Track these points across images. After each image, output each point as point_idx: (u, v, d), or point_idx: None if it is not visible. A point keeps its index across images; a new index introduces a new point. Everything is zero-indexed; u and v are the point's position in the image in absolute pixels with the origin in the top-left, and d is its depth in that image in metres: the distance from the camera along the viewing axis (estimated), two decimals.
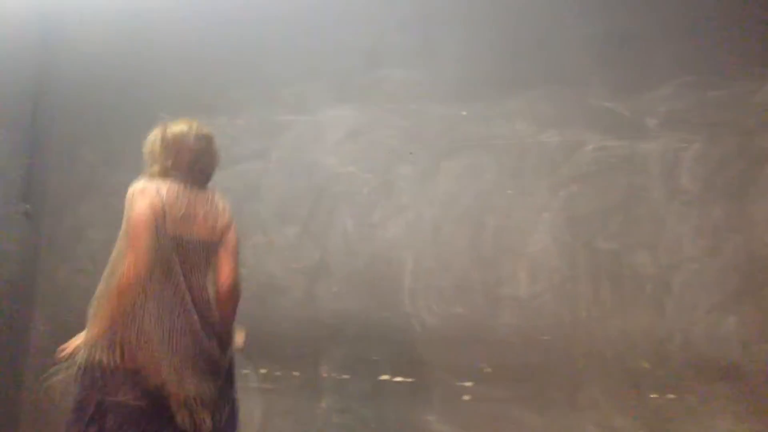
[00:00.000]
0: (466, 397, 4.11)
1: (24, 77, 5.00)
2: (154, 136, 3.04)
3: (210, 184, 3.14)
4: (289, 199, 4.65)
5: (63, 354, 2.81)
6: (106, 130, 5.09)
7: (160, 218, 2.73)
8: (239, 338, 2.89)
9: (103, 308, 2.56)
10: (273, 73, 4.81)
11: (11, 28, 4.89)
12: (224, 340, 2.82)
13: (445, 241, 4.31)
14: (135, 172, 4.92)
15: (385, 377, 4.27)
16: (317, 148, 4.64)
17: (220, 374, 2.75)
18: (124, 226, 2.75)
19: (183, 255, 2.81)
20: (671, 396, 3.85)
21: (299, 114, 4.72)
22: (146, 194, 2.78)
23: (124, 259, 2.63)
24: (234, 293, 2.94)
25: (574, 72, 4.25)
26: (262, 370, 4.50)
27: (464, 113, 4.38)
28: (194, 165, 2.98)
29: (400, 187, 4.45)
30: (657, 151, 4.07)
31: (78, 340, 2.84)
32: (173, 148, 2.96)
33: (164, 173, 2.94)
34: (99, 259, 4.93)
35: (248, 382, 4.50)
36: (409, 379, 4.23)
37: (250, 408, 4.47)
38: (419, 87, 4.52)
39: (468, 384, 4.12)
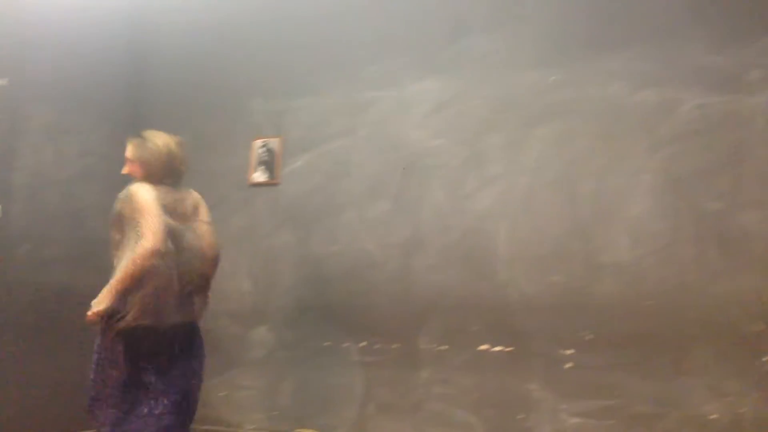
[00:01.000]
0: (568, 365, 4.07)
1: (122, 73, 5.21)
2: (165, 147, 3.34)
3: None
4: (379, 174, 4.68)
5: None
6: (200, 117, 5.25)
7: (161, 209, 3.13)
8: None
9: (124, 279, 3.04)
10: (357, 50, 4.83)
11: (106, 30, 5.10)
12: (204, 293, 3.42)
13: (539, 209, 4.25)
14: (228, 158, 5.11)
15: (484, 347, 4.27)
16: (404, 123, 4.65)
17: (194, 320, 3.39)
18: (129, 220, 3.09)
19: (176, 239, 3.24)
20: None
21: (385, 90, 4.73)
22: (145, 190, 3.15)
23: (141, 240, 3.02)
24: (217, 252, 3.54)
25: (670, 27, 4.08)
26: (362, 344, 4.58)
27: (554, 78, 4.29)
28: (179, 168, 3.37)
29: (491, 157, 4.41)
30: (762, 105, 3.87)
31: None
32: (167, 158, 3.30)
33: (159, 181, 3.27)
34: None
35: (349, 355, 4.60)
36: (509, 349, 4.21)
37: (352, 380, 4.57)
38: (505, 54, 4.45)
39: (569, 352, 4.07)
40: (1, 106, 4.37)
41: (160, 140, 3.32)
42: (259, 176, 5.01)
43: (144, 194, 3.14)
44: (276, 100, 5.03)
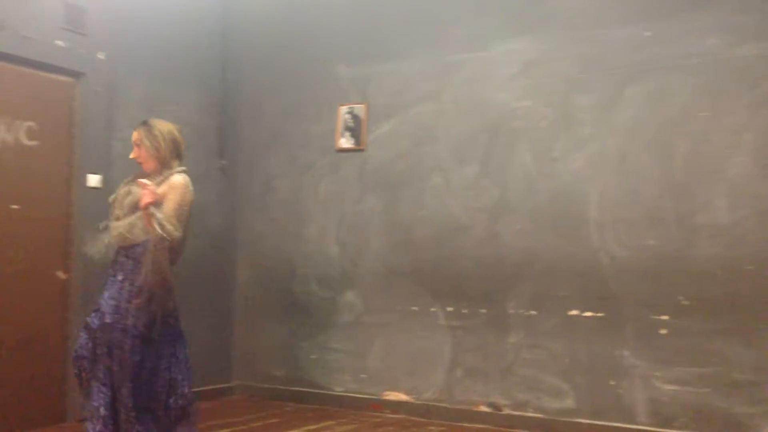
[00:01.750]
0: (662, 331, 3.95)
1: (212, 45, 5.33)
2: (169, 133, 3.41)
3: None
4: (466, 138, 4.63)
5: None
6: (287, 84, 5.32)
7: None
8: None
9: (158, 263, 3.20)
10: (441, 13, 4.77)
11: (198, 4, 5.22)
12: None
13: (633, 170, 4.12)
14: (314, 124, 5.16)
15: (574, 312, 4.20)
16: (491, 85, 4.57)
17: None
18: (177, 203, 3.26)
19: None
20: None
21: (470, 52, 4.65)
22: (190, 188, 3.37)
23: (179, 225, 3.28)
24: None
25: None
26: (449, 308, 4.58)
27: (648, 33, 4.11)
28: (182, 153, 3.50)
29: (581, 118, 4.28)
30: None
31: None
32: (172, 144, 3.40)
33: (166, 164, 3.38)
34: (287, 207, 5.25)
35: (436, 319, 4.62)
36: (600, 314, 4.13)
37: (439, 345, 4.59)
38: (595, 10, 4.29)
39: (664, 317, 3.95)
40: (100, 80, 4.55)
41: (164, 127, 3.43)
42: (345, 142, 5.05)
43: (188, 194, 3.35)
44: (361, 66, 5.04)
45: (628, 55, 4.16)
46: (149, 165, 3.36)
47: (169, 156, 3.37)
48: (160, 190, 3.23)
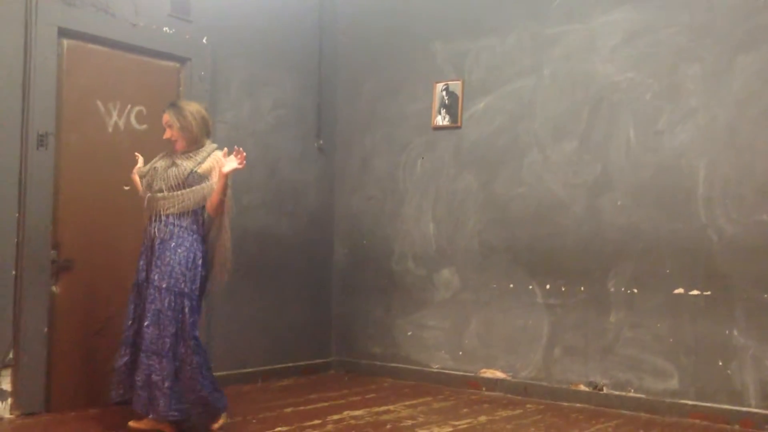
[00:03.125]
0: None
1: (308, 26, 5.40)
2: (198, 113, 3.62)
3: None
4: (565, 113, 4.53)
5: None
6: (383, 63, 5.35)
7: None
8: None
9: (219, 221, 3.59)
10: None
11: None
12: None
13: (745, 143, 3.92)
14: (410, 103, 5.17)
15: (679, 291, 4.06)
16: (592, 58, 4.44)
17: None
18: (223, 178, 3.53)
19: None
20: None
21: (571, 24, 4.53)
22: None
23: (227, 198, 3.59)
24: None
25: None
26: (547, 286, 4.52)
27: None
28: (210, 130, 3.75)
29: (688, 89, 4.10)
30: None
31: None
32: (202, 122, 3.64)
33: (196, 142, 3.62)
34: (384, 186, 5.30)
35: (534, 297, 4.57)
36: (707, 293, 3.97)
37: (537, 323, 4.54)
38: None
39: None
40: (204, 65, 4.71)
41: (193, 107, 3.65)
42: (441, 120, 5.03)
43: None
44: (457, 42, 5.00)
45: (741, 21, 3.94)
46: (181, 143, 3.59)
47: (200, 134, 3.61)
48: (206, 164, 3.51)
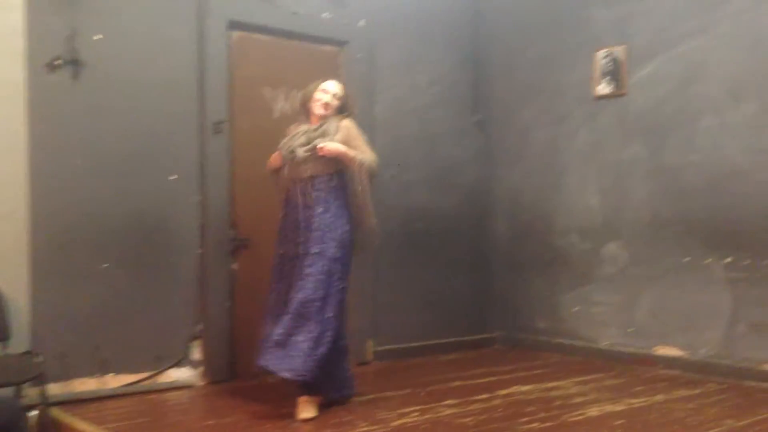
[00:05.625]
0: None
1: (463, 3, 5.35)
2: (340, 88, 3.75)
3: None
4: (741, 74, 4.19)
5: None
6: (540, 34, 5.20)
7: None
8: None
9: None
10: None
11: None
12: None
13: None
14: (569, 73, 5.00)
15: None
16: None
17: None
18: (360, 139, 3.70)
19: None
20: None
21: None
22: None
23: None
24: None
25: None
26: (727, 260, 4.23)
27: None
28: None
29: None
30: None
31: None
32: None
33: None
34: (544, 159, 5.17)
35: (712, 272, 4.30)
36: None
37: (716, 298, 4.27)
38: None
39: None
40: (361, 47, 4.80)
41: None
42: (603, 88, 4.83)
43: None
44: (619, 5, 4.76)
45: None
46: (322, 116, 3.67)
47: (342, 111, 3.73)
48: (340, 134, 3.59)
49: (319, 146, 3.51)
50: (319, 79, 3.77)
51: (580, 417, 3.43)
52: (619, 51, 4.74)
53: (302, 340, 3.35)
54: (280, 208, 3.73)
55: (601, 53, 4.83)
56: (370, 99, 4.85)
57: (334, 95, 3.69)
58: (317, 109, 3.67)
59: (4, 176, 3.54)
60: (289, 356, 3.34)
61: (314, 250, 3.46)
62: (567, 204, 5.04)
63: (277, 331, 3.39)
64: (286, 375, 3.33)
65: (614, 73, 4.77)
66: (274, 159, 3.76)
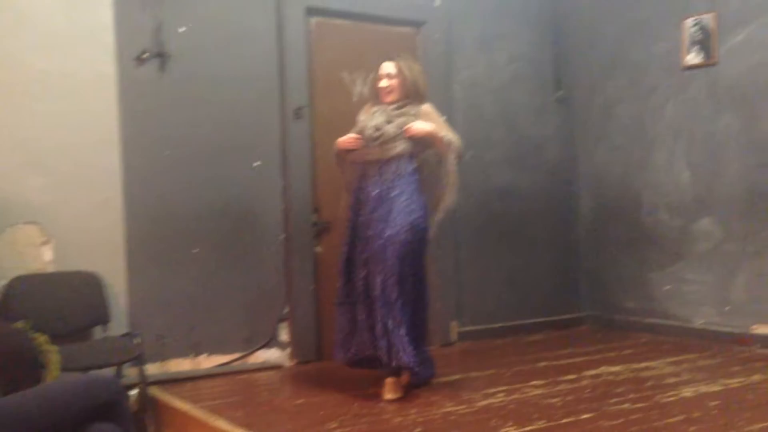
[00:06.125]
0: None
1: None
2: (420, 71, 3.69)
3: None
4: None
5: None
6: (624, 4, 5.02)
7: None
8: None
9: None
10: None
11: None
12: None
13: None
14: (657, 41, 4.82)
15: None
16: None
17: None
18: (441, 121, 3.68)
19: None
20: None
21: None
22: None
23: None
24: None
25: None
26: None
27: None
28: (420, 93, 3.70)
29: None
30: None
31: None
32: (422, 81, 3.69)
33: (406, 98, 3.65)
34: (630, 134, 5.02)
35: None
36: None
37: None
38: None
39: None
40: (437, 27, 4.76)
41: (416, 64, 3.71)
42: (692, 58, 4.63)
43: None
44: None
45: None
46: (394, 95, 3.61)
47: (414, 90, 3.62)
48: (420, 117, 3.54)
49: (407, 126, 3.49)
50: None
51: (673, 398, 3.33)
52: (708, 18, 4.53)
53: (394, 327, 3.35)
54: (347, 191, 3.72)
55: (690, 21, 4.63)
56: (448, 79, 4.81)
57: (388, 75, 3.64)
58: (381, 94, 3.68)
59: (100, 166, 3.71)
60: (391, 346, 3.35)
61: (388, 233, 3.42)
62: (655, 180, 4.87)
63: (377, 326, 3.38)
64: (395, 365, 3.37)
65: (704, 41, 4.57)
66: (343, 142, 3.69)
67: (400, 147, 3.53)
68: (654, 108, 4.86)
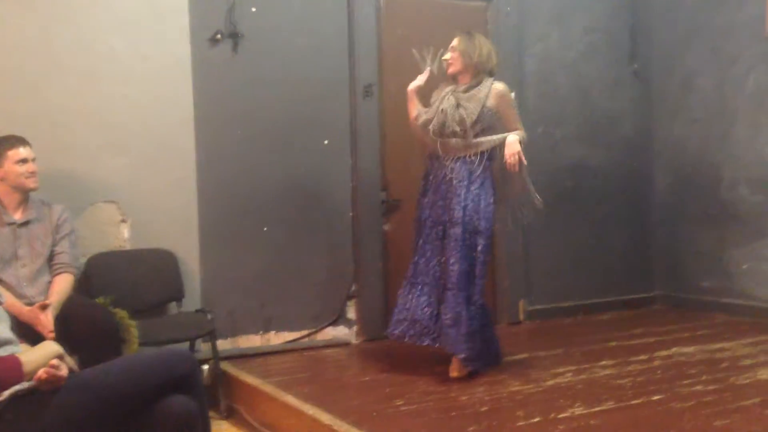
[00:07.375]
0: None
1: None
2: (488, 47, 3.55)
3: None
4: None
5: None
6: None
7: None
8: None
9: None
10: None
11: None
12: None
13: None
14: (740, 8, 4.60)
15: None
16: None
17: None
18: (514, 109, 3.57)
19: None
20: None
21: None
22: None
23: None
24: None
25: None
26: None
27: None
28: (488, 70, 3.60)
29: None
30: None
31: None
32: (486, 58, 3.54)
33: (473, 76, 3.55)
34: (710, 106, 4.83)
35: None
36: None
37: None
38: None
39: None
40: (509, 0, 4.66)
41: (484, 40, 3.58)
42: None
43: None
44: None
45: None
46: (461, 74, 3.55)
47: (482, 67, 3.53)
48: (492, 99, 3.46)
49: (509, 163, 3.42)
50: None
51: (749, 380, 3.25)
52: None
53: (464, 317, 3.36)
54: (424, 163, 3.69)
55: None
56: (520, 53, 4.72)
57: (452, 48, 3.60)
58: (445, 67, 3.63)
59: (175, 146, 3.82)
60: (459, 336, 3.36)
61: (461, 221, 3.41)
62: (736, 154, 4.69)
63: (447, 314, 3.38)
64: (462, 356, 3.38)
65: None
66: (412, 102, 3.70)
67: (471, 147, 3.49)
68: (736, 79, 4.65)
